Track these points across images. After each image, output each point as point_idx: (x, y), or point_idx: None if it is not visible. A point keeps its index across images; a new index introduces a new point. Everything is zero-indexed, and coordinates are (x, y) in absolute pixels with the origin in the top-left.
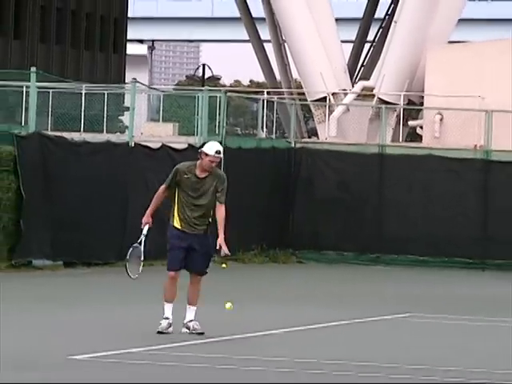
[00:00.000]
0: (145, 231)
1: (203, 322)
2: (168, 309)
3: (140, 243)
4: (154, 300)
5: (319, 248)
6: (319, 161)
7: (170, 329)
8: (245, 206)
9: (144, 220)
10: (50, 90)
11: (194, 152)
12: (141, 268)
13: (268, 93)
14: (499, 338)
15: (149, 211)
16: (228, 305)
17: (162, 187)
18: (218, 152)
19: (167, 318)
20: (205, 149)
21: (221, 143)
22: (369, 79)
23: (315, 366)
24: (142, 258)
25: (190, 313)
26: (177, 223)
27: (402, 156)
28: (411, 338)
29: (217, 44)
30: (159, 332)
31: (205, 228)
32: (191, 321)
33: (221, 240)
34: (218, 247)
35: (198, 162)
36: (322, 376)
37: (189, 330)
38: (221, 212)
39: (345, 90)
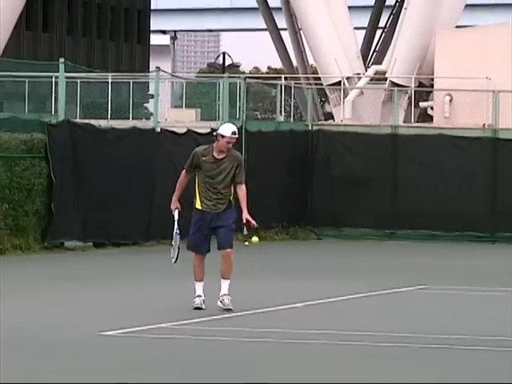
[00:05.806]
0: (176, 216)
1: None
2: (199, 287)
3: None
4: (180, 277)
5: (337, 225)
6: (335, 142)
7: (204, 305)
8: (265, 185)
9: (172, 207)
10: (78, 80)
11: None
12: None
13: (285, 78)
14: None
15: (174, 197)
16: (254, 239)
17: (183, 172)
18: (233, 133)
19: (199, 296)
20: (221, 131)
21: (241, 127)
22: (381, 64)
23: (337, 337)
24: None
25: (224, 286)
26: (198, 205)
27: (414, 136)
28: (428, 308)
29: (236, 33)
30: (196, 308)
31: (225, 206)
32: (224, 295)
33: (245, 214)
34: (244, 222)
35: (215, 144)
36: (344, 347)
37: (222, 304)
38: (242, 190)
39: (358, 74)
